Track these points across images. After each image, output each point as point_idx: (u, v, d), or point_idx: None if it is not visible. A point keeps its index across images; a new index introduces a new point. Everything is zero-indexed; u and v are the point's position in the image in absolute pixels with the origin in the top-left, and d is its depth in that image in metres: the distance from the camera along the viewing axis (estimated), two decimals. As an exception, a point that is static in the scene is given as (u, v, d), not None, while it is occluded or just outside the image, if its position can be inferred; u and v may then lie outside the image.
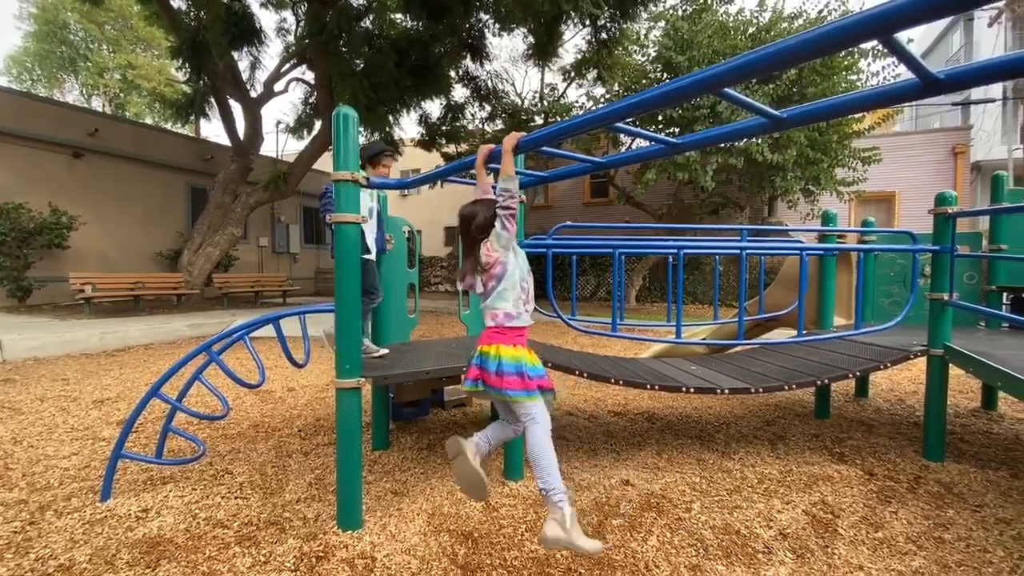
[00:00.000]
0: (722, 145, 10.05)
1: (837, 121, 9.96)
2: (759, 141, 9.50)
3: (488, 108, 14.23)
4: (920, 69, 0.94)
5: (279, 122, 16.11)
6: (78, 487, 2.69)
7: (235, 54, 10.79)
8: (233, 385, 2.99)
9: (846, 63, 9.84)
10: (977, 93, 15.46)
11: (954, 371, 3.18)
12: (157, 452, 2.78)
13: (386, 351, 3.11)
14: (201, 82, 11.67)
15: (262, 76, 12.90)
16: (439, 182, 2.80)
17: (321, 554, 2.07)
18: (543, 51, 11.30)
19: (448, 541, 2.19)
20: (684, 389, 2.94)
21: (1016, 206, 3.61)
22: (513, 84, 20.17)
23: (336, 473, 2.32)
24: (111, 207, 11.99)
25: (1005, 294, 4.21)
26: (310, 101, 13.99)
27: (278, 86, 12.98)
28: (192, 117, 13.89)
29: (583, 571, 1.98)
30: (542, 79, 15.50)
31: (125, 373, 5.39)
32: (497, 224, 1.83)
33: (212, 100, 12.50)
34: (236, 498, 2.58)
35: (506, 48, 28.93)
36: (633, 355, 4.70)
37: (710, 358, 3.95)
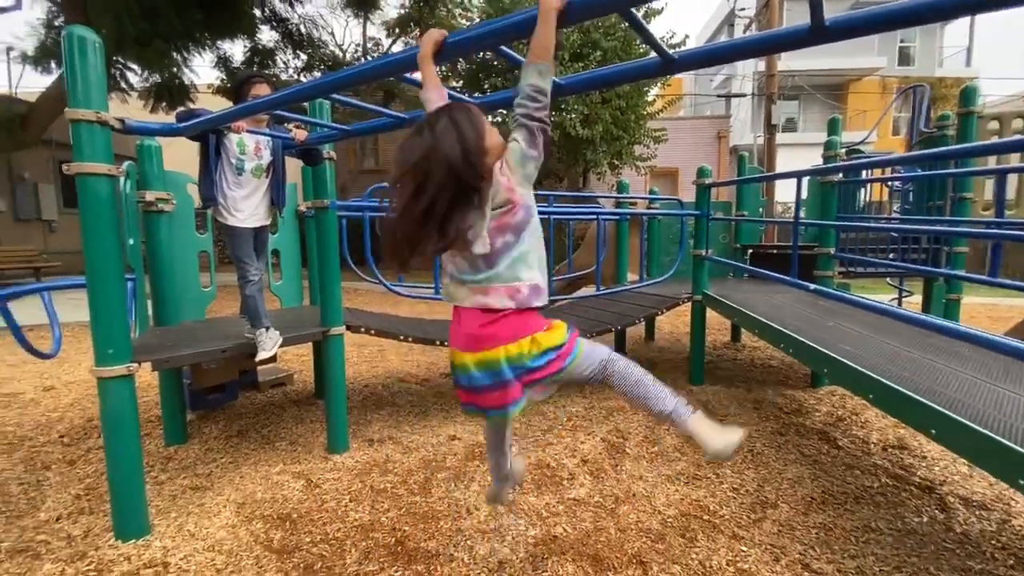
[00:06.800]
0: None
1: (635, 103, 11.35)
2: (572, 116, 10.35)
3: (304, 57, 12.79)
4: (660, 49, 1.10)
5: (11, 48, 12.05)
6: None
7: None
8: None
9: (641, 51, 11.15)
10: (736, 89, 18.98)
11: (717, 314, 3.96)
12: None
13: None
14: None
15: (-27, -18, 9.63)
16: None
17: (93, 574, 1.75)
18: (363, 0, 10.50)
19: (262, 528, 2.04)
20: (504, 345, 3.13)
21: (751, 177, 4.56)
22: (332, 34, 18.44)
23: (108, 477, 1.96)
24: None
25: (747, 251, 5.34)
26: (56, 24, 10.89)
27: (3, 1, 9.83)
28: None
29: (408, 528, 2.02)
30: (364, 32, 14.47)
31: None
32: (522, 140, 1.14)
33: None
34: (-41, 531, 2.02)
35: (323, -8, 26.10)
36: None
37: (529, 315, 4.26)
